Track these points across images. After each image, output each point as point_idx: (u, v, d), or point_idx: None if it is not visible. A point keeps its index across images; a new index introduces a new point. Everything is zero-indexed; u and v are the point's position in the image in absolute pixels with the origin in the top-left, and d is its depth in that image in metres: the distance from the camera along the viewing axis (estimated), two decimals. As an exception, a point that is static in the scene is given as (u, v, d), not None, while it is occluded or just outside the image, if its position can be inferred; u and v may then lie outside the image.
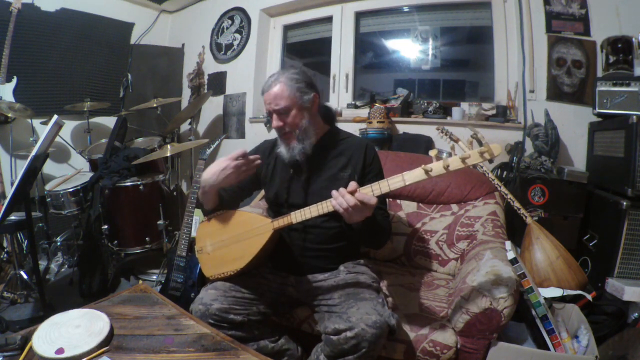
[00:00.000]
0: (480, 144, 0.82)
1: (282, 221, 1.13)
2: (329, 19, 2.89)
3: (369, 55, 2.88)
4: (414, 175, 0.91)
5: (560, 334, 1.24)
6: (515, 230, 1.79)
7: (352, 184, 0.97)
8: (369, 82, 2.88)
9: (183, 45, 3.57)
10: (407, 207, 1.76)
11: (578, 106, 2.07)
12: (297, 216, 1.10)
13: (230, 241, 1.20)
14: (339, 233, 1.28)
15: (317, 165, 1.26)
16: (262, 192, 1.51)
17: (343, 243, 1.30)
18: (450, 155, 0.88)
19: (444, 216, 1.69)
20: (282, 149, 1.24)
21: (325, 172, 1.25)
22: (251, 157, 1.17)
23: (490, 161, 0.87)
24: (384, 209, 1.26)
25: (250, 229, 1.17)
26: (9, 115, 2.38)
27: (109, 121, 3.00)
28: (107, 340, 0.94)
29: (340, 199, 0.96)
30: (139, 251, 2.30)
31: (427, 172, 0.89)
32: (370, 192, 0.95)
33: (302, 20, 3.04)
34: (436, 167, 0.88)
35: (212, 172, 1.17)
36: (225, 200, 1.28)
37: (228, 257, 1.20)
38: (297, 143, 1.22)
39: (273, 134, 1.43)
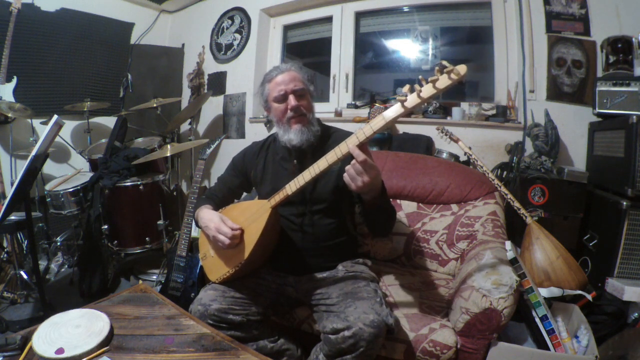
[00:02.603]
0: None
1: (277, 197, 1.10)
2: (329, 19, 2.89)
3: (369, 55, 2.87)
4: (392, 111, 0.91)
5: (560, 334, 1.24)
6: (515, 230, 1.79)
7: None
8: (369, 82, 2.87)
9: (183, 45, 3.57)
10: (407, 207, 1.75)
11: (578, 106, 2.07)
12: (292, 186, 1.07)
13: None
14: (336, 229, 1.28)
15: (313, 159, 1.26)
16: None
17: (341, 240, 1.30)
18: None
19: (444, 216, 1.69)
20: (290, 135, 1.23)
21: None
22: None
23: (461, 82, 0.87)
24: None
25: (249, 216, 1.15)
26: (9, 115, 2.37)
27: (109, 121, 3.00)
28: (107, 340, 0.94)
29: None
30: (139, 251, 2.30)
31: (402, 103, 0.89)
32: (355, 140, 0.94)
33: (302, 20, 3.04)
34: (411, 98, 0.89)
35: (210, 223, 1.17)
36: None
37: (231, 252, 1.17)
38: (309, 128, 1.23)
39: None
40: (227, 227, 1.13)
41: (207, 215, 1.21)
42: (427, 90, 0.87)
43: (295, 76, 1.24)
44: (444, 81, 0.85)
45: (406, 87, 0.90)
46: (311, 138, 1.23)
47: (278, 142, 1.33)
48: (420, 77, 0.89)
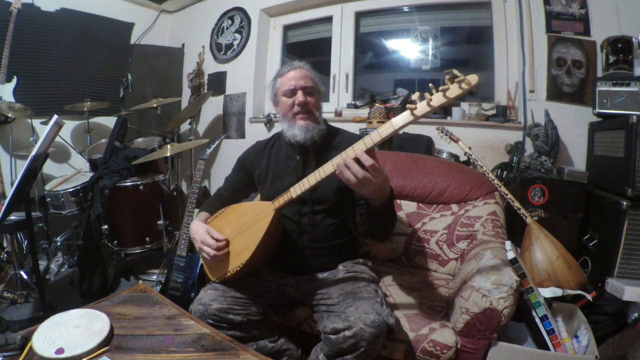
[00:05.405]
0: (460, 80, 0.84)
1: (282, 199, 1.10)
2: (329, 19, 2.90)
3: (369, 55, 2.87)
4: (401, 118, 0.91)
5: (560, 334, 1.24)
6: (515, 230, 1.79)
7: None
8: (369, 82, 2.88)
9: (183, 45, 3.57)
10: (407, 207, 1.75)
11: (578, 106, 2.07)
12: (297, 189, 1.07)
13: (233, 235, 1.18)
14: (337, 230, 1.28)
15: (316, 157, 1.27)
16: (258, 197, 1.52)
17: (342, 240, 1.30)
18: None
19: (444, 216, 1.69)
20: (295, 131, 1.23)
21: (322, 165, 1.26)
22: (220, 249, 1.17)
23: (471, 93, 0.87)
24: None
25: (252, 216, 1.15)
26: (9, 115, 2.37)
27: (109, 121, 3.00)
28: (107, 340, 0.94)
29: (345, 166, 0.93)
30: (139, 251, 2.30)
31: (412, 112, 0.89)
32: (362, 146, 0.93)
33: (302, 20, 3.04)
34: (421, 106, 0.89)
35: (196, 236, 1.22)
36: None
37: (233, 252, 1.17)
38: (314, 126, 1.24)
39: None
40: (212, 239, 1.16)
41: (195, 227, 1.25)
42: (437, 99, 0.87)
43: (307, 74, 1.26)
44: (454, 90, 0.85)
45: (416, 95, 0.91)
46: (315, 136, 1.24)
47: (282, 141, 1.33)
48: (430, 85, 0.88)
